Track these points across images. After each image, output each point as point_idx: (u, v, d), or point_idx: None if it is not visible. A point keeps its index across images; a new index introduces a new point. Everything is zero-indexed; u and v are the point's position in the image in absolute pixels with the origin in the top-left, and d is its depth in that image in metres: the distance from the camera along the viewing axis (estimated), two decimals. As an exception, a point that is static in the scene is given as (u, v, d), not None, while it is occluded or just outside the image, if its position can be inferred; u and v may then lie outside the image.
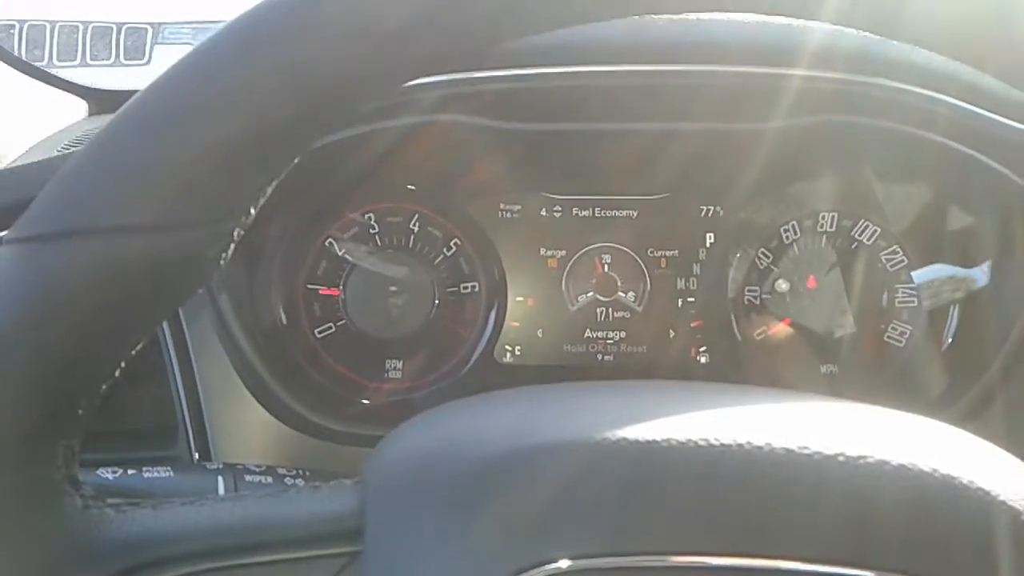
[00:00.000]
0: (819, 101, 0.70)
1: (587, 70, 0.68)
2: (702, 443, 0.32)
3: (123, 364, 0.34)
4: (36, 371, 0.31)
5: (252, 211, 0.34)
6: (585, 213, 0.83)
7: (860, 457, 0.31)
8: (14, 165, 0.72)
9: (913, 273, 0.81)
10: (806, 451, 0.31)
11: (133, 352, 0.34)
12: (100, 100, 1.12)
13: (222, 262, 0.34)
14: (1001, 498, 0.31)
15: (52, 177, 0.31)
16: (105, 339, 0.33)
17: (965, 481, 0.31)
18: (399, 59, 0.31)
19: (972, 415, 0.73)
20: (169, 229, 0.31)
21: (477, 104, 0.69)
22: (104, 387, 0.34)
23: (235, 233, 0.34)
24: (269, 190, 0.34)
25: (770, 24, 0.67)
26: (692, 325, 0.83)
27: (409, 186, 0.81)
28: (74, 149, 0.80)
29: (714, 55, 0.69)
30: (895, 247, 0.81)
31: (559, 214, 0.83)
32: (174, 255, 0.32)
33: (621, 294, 0.84)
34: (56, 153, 0.81)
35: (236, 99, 0.31)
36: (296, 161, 0.34)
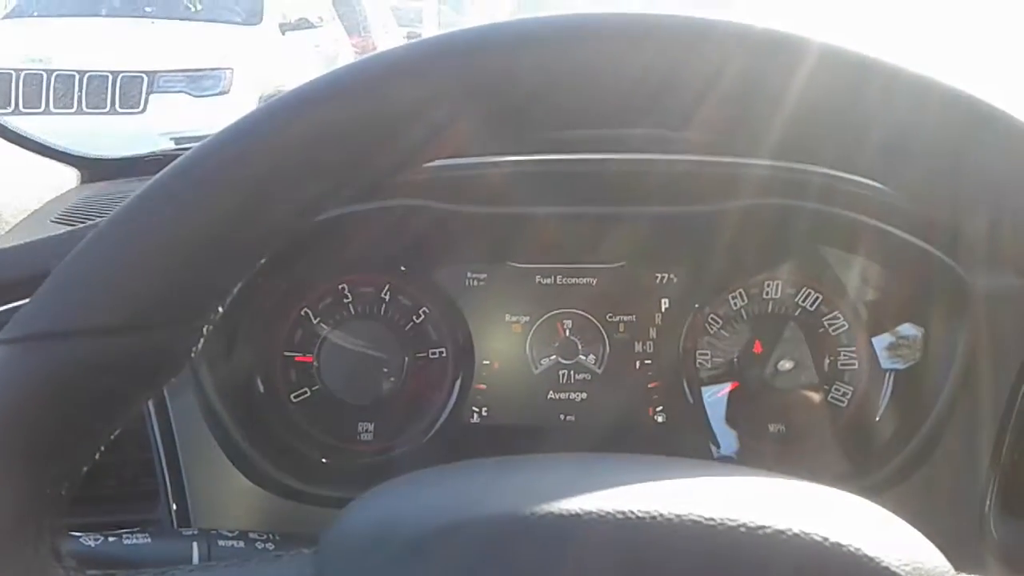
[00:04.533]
0: (762, 186, 0.74)
1: (540, 158, 0.73)
2: (621, 515, 0.34)
3: (103, 448, 0.38)
4: (23, 459, 0.35)
5: (220, 309, 0.39)
6: (547, 281, 0.87)
7: (760, 527, 0.35)
8: (7, 244, 0.76)
9: (874, 339, 0.84)
10: (712, 522, 0.36)
11: (112, 436, 0.38)
12: (91, 168, 1.14)
13: (193, 354, 0.39)
14: (884, 564, 0.35)
15: (40, 264, 0.36)
16: (86, 428, 0.36)
17: (853, 548, 0.34)
18: (345, 179, 0.37)
19: (904, 475, 0.77)
20: (143, 329, 0.36)
21: (430, 190, 0.74)
22: (86, 468, 0.38)
23: (205, 329, 0.38)
24: (235, 290, 0.39)
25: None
26: (649, 386, 0.87)
27: (402, 267, 0.85)
28: (67, 223, 0.84)
29: (661, 145, 0.74)
30: (836, 313, 0.85)
31: (523, 282, 0.87)
32: (148, 352, 0.36)
33: (582, 357, 0.87)
34: (49, 224, 0.85)
35: (201, 219, 0.36)
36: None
